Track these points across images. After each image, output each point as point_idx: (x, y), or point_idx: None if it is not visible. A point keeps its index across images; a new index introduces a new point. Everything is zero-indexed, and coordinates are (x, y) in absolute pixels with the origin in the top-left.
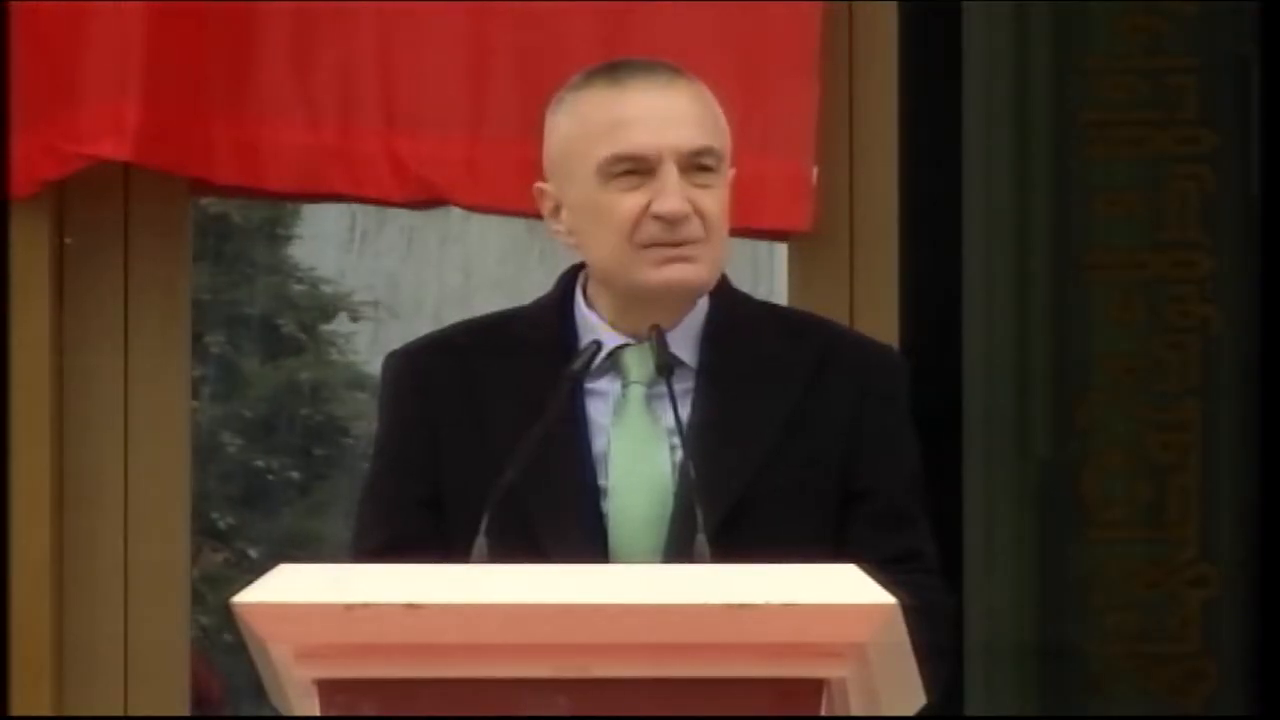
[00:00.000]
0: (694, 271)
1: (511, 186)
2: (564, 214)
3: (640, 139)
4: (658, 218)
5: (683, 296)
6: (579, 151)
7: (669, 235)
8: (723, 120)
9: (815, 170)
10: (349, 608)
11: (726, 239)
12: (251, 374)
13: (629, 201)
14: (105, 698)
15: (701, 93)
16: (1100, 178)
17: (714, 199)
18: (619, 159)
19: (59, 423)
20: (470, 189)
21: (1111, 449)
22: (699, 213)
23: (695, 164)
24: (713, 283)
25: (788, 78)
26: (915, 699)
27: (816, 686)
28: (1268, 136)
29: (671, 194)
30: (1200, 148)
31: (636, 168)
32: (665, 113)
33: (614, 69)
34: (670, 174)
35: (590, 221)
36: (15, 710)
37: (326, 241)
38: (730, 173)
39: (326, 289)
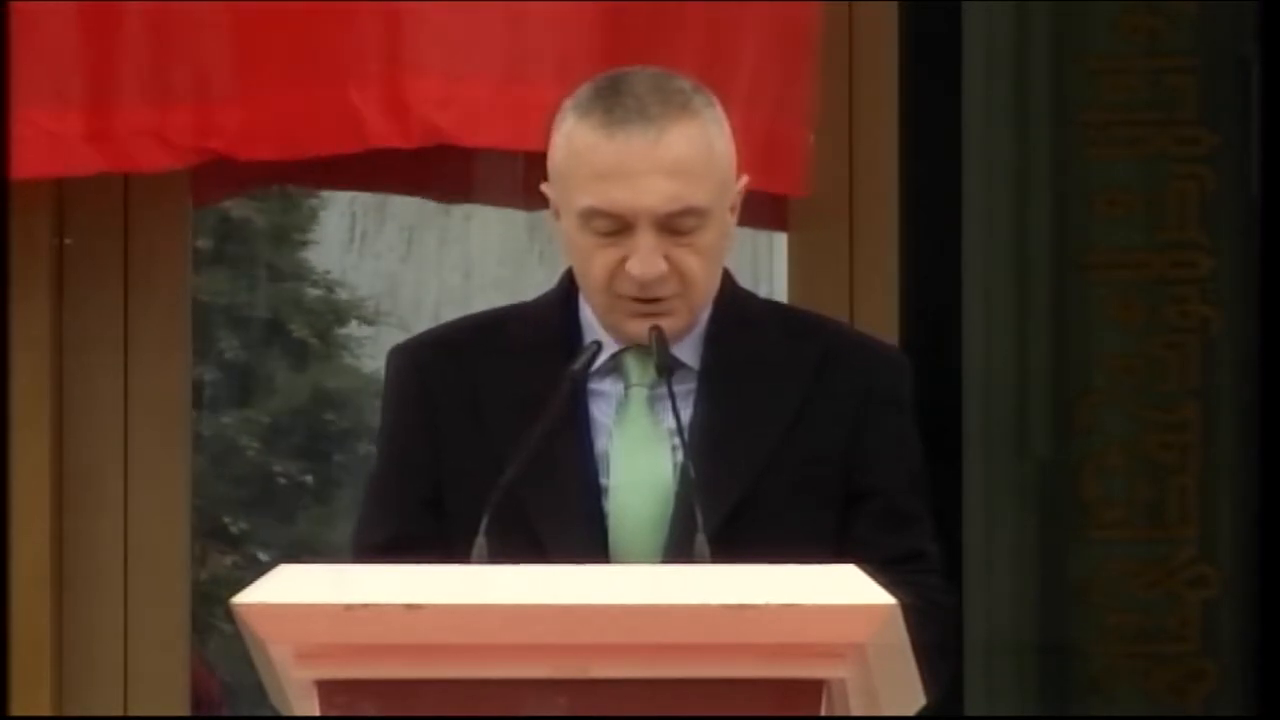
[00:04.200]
0: (667, 324)
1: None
2: (560, 225)
3: (618, 197)
4: (634, 279)
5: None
6: (568, 189)
7: (643, 293)
8: (724, 157)
9: (811, 136)
10: (349, 608)
11: (713, 277)
12: (269, 379)
13: (606, 255)
14: (105, 698)
15: (701, 132)
16: (1100, 178)
17: (693, 252)
18: (596, 212)
19: (59, 423)
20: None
21: (1111, 449)
22: (676, 270)
23: (674, 225)
24: (695, 323)
25: (786, 44)
26: (915, 699)
27: (816, 687)
28: (1268, 136)
29: (645, 257)
30: (1200, 148)
31: (614, 224)
32: (649, 168)
33: (612, 103)
34: (645, 236)
35: (575, 256)
36: (15, 710)
37: (326, 242)
38: (743, 182)
39: (342, 293)
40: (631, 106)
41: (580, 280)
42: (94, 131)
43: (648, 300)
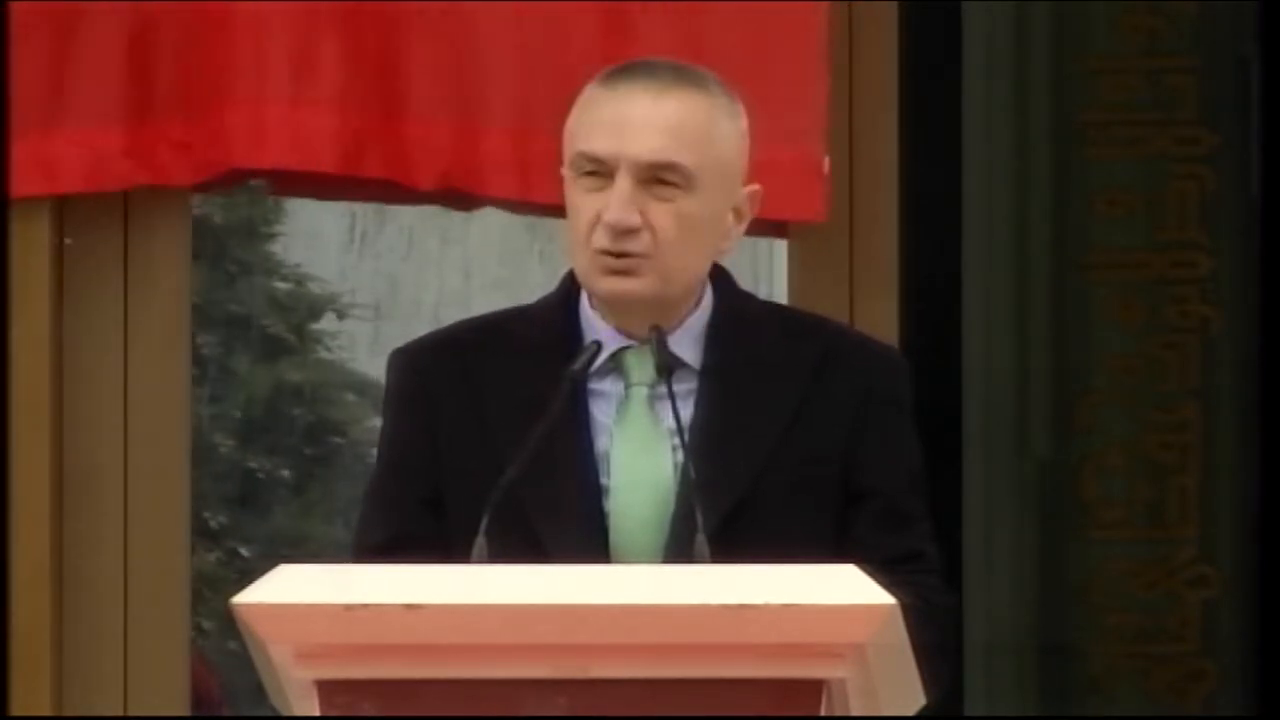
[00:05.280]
0: (635, 285)
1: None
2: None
3: (601, 142)
4: (606, 225)
5: (628, 308)
6: (568, 144)
7: (614, 245)
8: (727, 144)
9: (827, 160)
10: (349, 608)
11: (690, 252)
12: (243, 374)
13: (588, 203)
14: (105, 698)
15: (705, 104)
16: (1100, 178)
17: (671, 214)
18: (582, 157)
19: (59, 423)
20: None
21: (1111, 449)
22: (650, 226)
23: (655, 177)
24: (665, 295)
25: (797, 67)
26: (915, 699)
27: (816, 687)
28: (1268, 136)
29: (618, 204)
30: (1200, 148)
31: (597, 169)
32: (641, 120)
33: (624, 70)
34: (623, 183)
35: (568, 213)
36: (15, 710)
37: (326, 242)
38: (751, 189)
39: (314, 287)
40: (644, 72)
41: (569, 238)
42: (131, 146)
43: (617, 255)
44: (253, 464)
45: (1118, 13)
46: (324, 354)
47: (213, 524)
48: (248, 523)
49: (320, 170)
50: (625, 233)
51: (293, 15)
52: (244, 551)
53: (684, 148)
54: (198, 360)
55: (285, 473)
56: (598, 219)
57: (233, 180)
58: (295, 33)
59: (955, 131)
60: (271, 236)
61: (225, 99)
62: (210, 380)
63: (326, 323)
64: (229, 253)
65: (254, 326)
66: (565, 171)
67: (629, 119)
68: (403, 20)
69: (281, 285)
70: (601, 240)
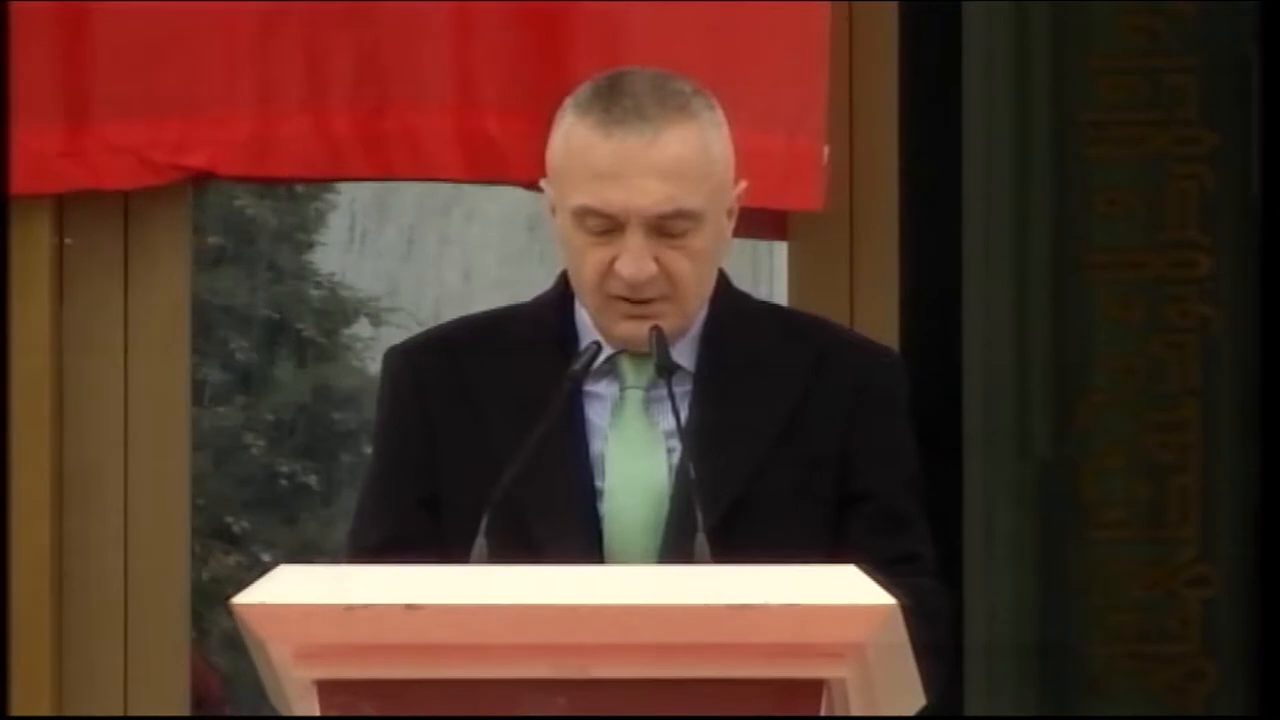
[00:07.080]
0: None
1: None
2: (556, 221)
3: (609, 197)
4: (623, 279)
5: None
6: (563, 187)
7: (632, 294)
8: (720, 161)
9: (826, 150)
10: (349, 608)
11: (705, 280)
12: (270, 378)
13: (597, 254)
14: (105, 698)
15: (698, 134)
16: (1100, 177)
17: (684, 255)
18: (589, 211)
19: (59, 423)
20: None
21: (1111, 449)
22: (666, 272)
23: (665, 224)
24: (686, 326)
25: (798, 58)
26: (915, 699)
27: (816, 686)
28: (1268, 136)
29: (634, 258)
30: (1200, 148)
31: (606, 224)
32: (641, 169)
33: (610, 103)
34: (635, 237)
35: (568, 254)
36: (15, 710)
37: (326, 242)
38: (741, 187)
39: (346, 293)
40: (629, 107)
41: (573, 279)
42: (72, 148)
43: (637, 301)
44: (284, 468)
45: (1118, 13)
46: (354, 361)
47: (235, 529)
48: (269, 527)
49: (280, 176)
50: (642, 284)
51: (252, 17)
52: (265, 556)
53: (689, 191)
54: (230, 364)
55: (312, 478)
56: (608, 267)
57: (186, 184)
58: (255, 37)
59: (955, 131)
60: (310, 244)
61: (177, 104)
62: (243, 384)
63: (360, 328)
64: (265, 257)
65: (287, 330)
66: (561, 215)
67: (629, 170)
68: (353, 18)
69: (316, 292)
70: (618, 289)
